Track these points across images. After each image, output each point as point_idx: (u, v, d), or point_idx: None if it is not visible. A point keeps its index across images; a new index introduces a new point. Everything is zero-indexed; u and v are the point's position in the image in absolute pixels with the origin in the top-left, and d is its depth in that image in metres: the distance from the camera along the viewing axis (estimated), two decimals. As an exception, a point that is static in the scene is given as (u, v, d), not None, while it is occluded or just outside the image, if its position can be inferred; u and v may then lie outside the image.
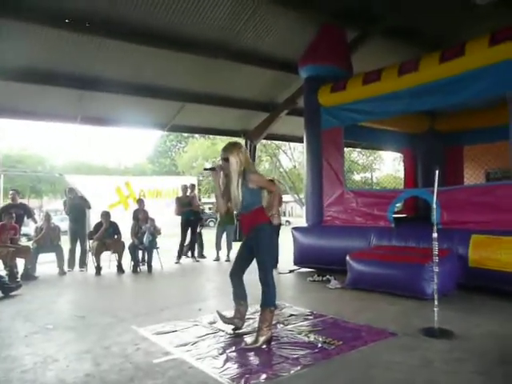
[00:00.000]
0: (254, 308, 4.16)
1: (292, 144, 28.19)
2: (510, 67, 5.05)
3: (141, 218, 8.13)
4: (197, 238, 9.27)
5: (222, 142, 29.17)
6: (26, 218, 8.12)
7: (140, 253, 8.01)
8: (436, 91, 5.81)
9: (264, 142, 23.58)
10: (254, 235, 3.56)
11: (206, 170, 3.85)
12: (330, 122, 7.23)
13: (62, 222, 11.08)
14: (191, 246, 9.16)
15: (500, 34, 5.12)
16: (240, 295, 3.79)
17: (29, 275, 7.07)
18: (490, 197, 5.38)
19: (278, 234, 7.76)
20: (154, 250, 8.11)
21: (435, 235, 3.82)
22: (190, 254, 9.17)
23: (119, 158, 44.75)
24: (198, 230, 9.40)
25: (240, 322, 3.81)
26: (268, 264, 3.57)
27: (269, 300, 3.51)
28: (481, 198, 5.49)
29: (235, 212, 3.95)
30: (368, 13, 7.40)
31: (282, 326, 4.03)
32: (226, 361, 3.16)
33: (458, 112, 8.35)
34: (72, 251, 8.17)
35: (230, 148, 3.58)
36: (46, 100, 8.28)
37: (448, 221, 5.57)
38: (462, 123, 8.61)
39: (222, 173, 3.63)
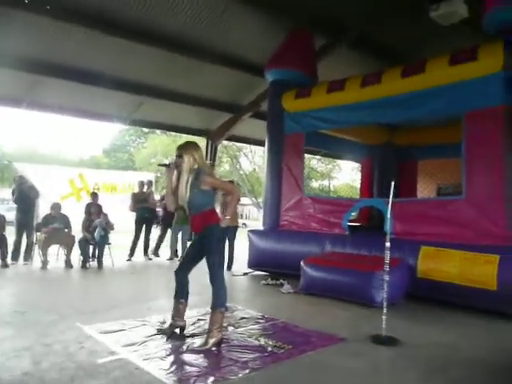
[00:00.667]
0: (205, 310, 4.09)
1: (253, 147, 28.27)
2: (466, 88, 5.28)
3: (93, 211, 7.86)
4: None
5: (183, 140, 28.88)
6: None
7: (91, 248, 7.72)
8: (396, 105, 5.99)
9: (225, 143, 23.49)
10: (204, 235, 3.55)
11: (160, 165, 3.91)
12: (292, 127, 7.28)
13: (9, 212, 10.53)
14: (145, 243, 8.95)
15: (459, 55, 5.33)
16: (181, 293, 3.73)
17: (-33, 266, 6.66)
18: (441, 211, 5.58)
19: (235, 237, 7.73)
20: (106, 246, 7.86)
21: (388, 244, 3.91)
22: (149, 252, 8.94)
23: (74, 149, 43.30)
24: (156, 228, 9.21)
25: (182, 321, 3.74)
26: (218, 265, 3.54)
27: (219, 301, 3.48)
28: (432, 211, 5.68)
29: (169, 204, 3.83)
30: (337, 22, 7.52)
31: (232, 328, 3.98)
32: (174, 362, 3.08)
33: (415, 127, 8.66)
34: (17, 243, 7.76)
35: (186, 146, 3.63)
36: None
37: (400, 231, 5.73)
38: (419, 138, 8.94)
39: (175, 170, 3.63)
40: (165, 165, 3.75)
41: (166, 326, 3.87)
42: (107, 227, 7.75)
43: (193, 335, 3.71)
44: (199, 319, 4.15)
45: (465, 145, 5.35)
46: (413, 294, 5.26)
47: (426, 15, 6.04)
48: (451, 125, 6.87)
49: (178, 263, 7.88)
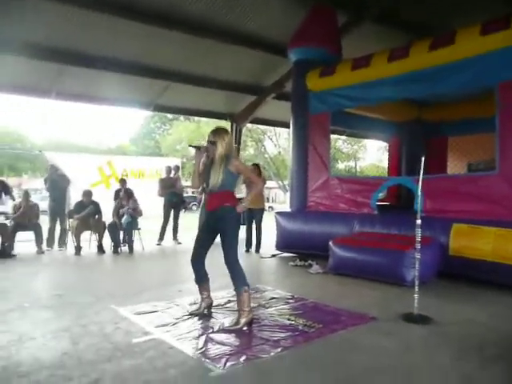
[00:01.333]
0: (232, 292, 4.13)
1: (277, 130, 28.11)
2: (499, 58, 5.06)
3: (122, 197, 8.00)
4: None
5: (207, 125, 28.93)
6: (3, 196, 7.91)
7: (121, 234, 7.89)
8: (425, 79, 5.79)
9: (249, 126, 23.43)
10: (220, 217, 3.57)
11: (191, 146, 3.85)
12: (317, 107, 7.17)
13: (42, 201, 10.84)
14: (174, 228, 9.08)
15: (491, 24, 5.10)
16: (201, 279, 3.81)
17: (6, 253, 6.93)
18: (472, 187, 5.43)
19: (262, 219, 7.75)
20: (136, 231, 8.02)
21: (419, 222, 3.83)
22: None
23: (102, 138, 44.08)
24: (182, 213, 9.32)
25: (209, 299, 3.85)
26: (234, 247, 3.57)
27: (239, 282, 3.52)
28: (463, 187, 5.53)
29: (195, 184, 3.94)
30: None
31: (263, 308, 4.02)
32: (206, 342, 3.13)
33: (444, 102, 8.38)
34: (51, 230, 8.02)
35: (220, 132, 3.62)
36: (21, 73, 7.96)
37: (430, 209, 5.61)
38: (448, 113, 8.66)
39: (204, 154, 3.67)
40: (196, 146, 3.75)
41: (194, 307, 3.93)
42: (135, 214, 7.88)
43: (224, 315, 3.76)
44: (229, 300, 4.20)
45: (498, 117, 5.14)
46: (444, 272, 5.17)
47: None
48: (482, 98, 6.62)
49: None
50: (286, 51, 7.62)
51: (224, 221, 3.56)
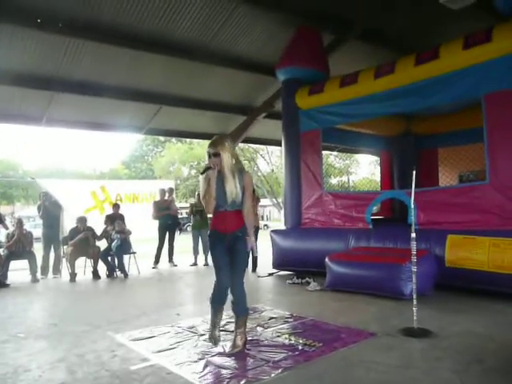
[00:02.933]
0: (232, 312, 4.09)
1: (270, 148, 28.25)
2: (482, 71, 5.18)
3: (108, 223, 8.04)
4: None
5: (199, 146, 29.05)
6: (-4, 224, 7.86)
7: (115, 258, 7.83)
8: (412, 94, 5.90)
9: (242, 145, 23.59)
10: (239, 237, 3.34)
11: (203, 173, 3.29)
12: (308, 124, 7.25)
13: (36, 229, 10.77)
14: (170, 250, 9.03)
15: (473, 38, 5.23)
16: (224, 300, 3.49)
17: (0, 283, 6.84)
18: (465, 197, 5.48)
19: (256, 238, 7.72)
20: (131, 255, 7.97)
21: (413, 235, 3.85)
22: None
23: (94, 163, 44.06)
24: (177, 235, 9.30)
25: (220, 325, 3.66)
26: (244, 271, 3.46)
27: (245, 308, 3.45)
28: (456, 198, 5.58)
29: (211, 209, 3.37)
30: (342, 16, 7.46)
31: (261, 329, 3.98)
32: (206, 366, 3.09)
33: (432, 115, 8.50)
34: (45, 257, 7.95)
35: (221, 141, 3.25)
36: (11, 101, 7.99)
37: (424, 221, 5.64)
38: (437, 126, 8.79)
39: (211, 171, 3.25)
40: (208, 168, 3.24)
41: (195, 330, 3.89)
42: (124, 235, 7.85)
43: (223, 338, 3.72)
44: (228, 322, 4.16)
45: (486, 128, 5.23)
46: (442, 284, 5.17)
47: (433, 1, 5.93)
48: (470, 110, 6.74)
49: (202, 268, 7.82)
50: (273, 71, 7.74)
51: (242, 241, 3.35)
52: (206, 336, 3.72)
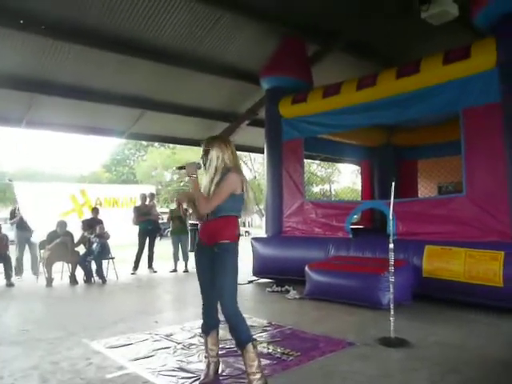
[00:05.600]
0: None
1: (252, 155, 28.36)
2: (461, 86, 5.31)
3: (86, 228, 7.94)
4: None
5: (183, 151, 28.93)
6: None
7: (93, 263, 7.72)
8: (393, 106, 6.01)
9: (225, 152, 23.51)
10: (218, 253, 2.78)
11: (178, 168, 3.00)
12: (290, 133, 7.30)
13: (12, 232, 10.54)
14: (149, 256, 8.94)
15: (452, 53, 5.37)
16: (215, 325, 3.04)
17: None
18: (443, 209, 5.58)
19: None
20: (110, 261, 7.87)
21: (391, 246, 3.90)
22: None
23: (75, 166, 43.44)
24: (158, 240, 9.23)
25: (218, 359, 3.08)
26: (234, 289, 2.79)
27: (245, 335, 2.77)
28: (434, 210, 5.68)
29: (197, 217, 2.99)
30: (327, 28, 7.56)
31: (240, 337, 3.96)
32: (183, 375, 3.06)
33: (412, 127, 8.67)
34: (19, 258, 7.89)
35: (215, 140, 2.98)
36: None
37: (403, 232, 5.73)
38: (417, 138, 8.96)
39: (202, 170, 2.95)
40: (195, 164, 2.91)
41: (173, 338, 3.84)
42: (103, 240, 7.74)
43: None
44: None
45: (464, 142, 5.36)
46: (419, 294, 5.24)
47: (415, 15, 6.07)
48: (449, 123, 6.89)
49: (182, 274, 7.73)
50: (258, 79, 7.78)
51: (222, 257, 2.78)
52: (184, 344, 3.69)
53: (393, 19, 7.18)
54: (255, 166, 30.91)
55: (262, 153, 8.34)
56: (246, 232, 25.15)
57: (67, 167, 38.09)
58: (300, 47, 7.57)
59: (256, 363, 2.71)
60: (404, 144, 9.29)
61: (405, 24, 7.22)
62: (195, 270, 3.03)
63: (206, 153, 2.93)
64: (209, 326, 3.00)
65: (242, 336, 2.76)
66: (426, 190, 9.75)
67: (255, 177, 31.43)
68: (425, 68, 5.58)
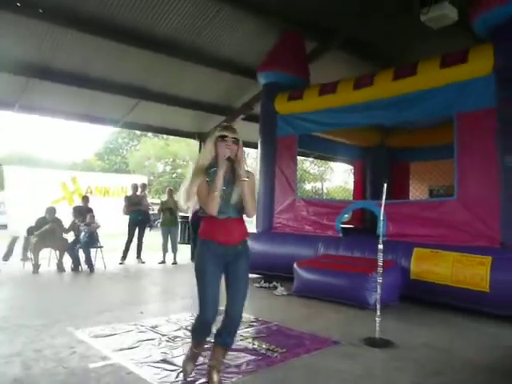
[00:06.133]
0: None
1: (246, 149, 28.32)
2: (457, 90, 5.32)
3: (77, 215, 7.86)
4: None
5: (176, 142, 28.80)
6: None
7: (81, 252, 7.67)
8: (389, 107, 6.01)
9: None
10: (242, 252, 2.73)
11: (228, 160, 2.61)
12: (285, 129, 7.29)
13: (1, 216, 10.45)
14: (138, 246, 8.90)
15: (449, 57, 5.38)
16: (208, 333, 2.84)
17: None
18: (433, 212, 5.61)
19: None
20: (98, 249, 7.81)
21: (381, 247, 3.91)
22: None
23: (67, 153, 43.11)
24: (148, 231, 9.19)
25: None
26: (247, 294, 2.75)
27: (233, 340, 2.84)
28: (424, 212, 5.71)
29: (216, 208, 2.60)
30: (326, 25, 7.54)
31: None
32: (167, 367, 3.05)
33: (407, 129, 8.69)
34: (11, 243, 7.86)
35: (235, 128, 2.73)
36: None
37: (393, 233, 5.75)
38: (410, 140, 8.98)
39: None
40: (228, 159, 2.60)
41: (158, 330, 3.82)
42: (91, 228, 7.68)
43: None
44: (192, 322, 4.12)
45: (457, 146, 5.38)
46: (406, 296, 5.26)
47: (415, 17, 6.07)
48: (443, 126, 6.91)
49: (171, 266, 7.68)
50: (255, 74, 7.75)
51: (246, 257, 2.75)
52: (169, 336, 3.68)
53: (392, 19, 7.18)
54: (248, 161, 30.85)
55: (256, 148, 8.32)
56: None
57: (60, 154, 37.72)
58: (299, 43, 7.54)
59: (221, 359, 2.82)
60: (397, 146, 9.32)
61: (404, 25, 7.22)
62: (201, 272, 2.66)
63: (234, 141, 2.63)
64: (207, 335, 2.82)
65: (233, 338, 2.82)
66: (417, 192, 9.80)
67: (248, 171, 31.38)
68: (422, 70, 5.59)
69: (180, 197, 2.71)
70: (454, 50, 5.42)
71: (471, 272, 4.77)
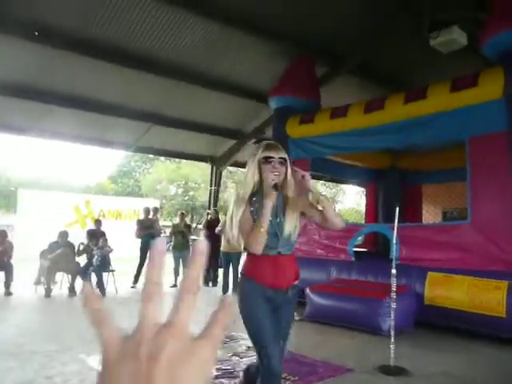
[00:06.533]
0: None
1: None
2: (468, 114, 5.32)
3: (92, 238, 7.90)
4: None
5: (188, 165, 29.05)
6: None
7: (93, 276, 7.69)
8: (399, 131, 6.02)
9: (230, 169, 23.65)
10: (291, 299, 2.31)
11: (276, 189, 2.18)
12: (297, 153, 7.30)
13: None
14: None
15: (460, 81, 5.40)
16: None
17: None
18: (447, 236, 5.54)
19: (239, 262, 7.69)
20: (110, 273, 7.84)
21: (394, 271, 3.87)
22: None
23: (81, 176, 43.73)
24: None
25: None
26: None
27: None
28: (438, 236, 5.64)
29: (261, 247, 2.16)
30: (338, 50, 7.65)
31: (237, 358, 3.92)
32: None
33: (418, 152, 8.68)
34: None
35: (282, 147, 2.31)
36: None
37: (406, 257, 5.67)
38: (422, 163, 8.95)
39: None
40: (275, 186, 2.19)
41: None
42: (104, 252, 7.72)
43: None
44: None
45: (470, 169, 5.35)
46: (421, 322, 5.16)
47: (425, 42, 6.14)
48: (454, 149, 6.88)
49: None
50: (266, 98, 7.85)
51: (292, 304, 2.34)
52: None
53: (403, 44, 7.25)
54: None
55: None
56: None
57: (73, 177, 38.25)
58: (310, 67, 7.62)
59: None
60: (409, 168, 9.29)
61: (415, 49, 7.30)
62: (249, 310, 2.20)
63: (281, 162, 2.21)
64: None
65: None
66: (430, 215, 9.71)
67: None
68: (432, 94, 5.61)
69: (227, 227, 2.27)
70: (465, 74, 5.46)
71: (487, 297, 4.68)
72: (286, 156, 2.22)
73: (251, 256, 2.24)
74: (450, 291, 5.00)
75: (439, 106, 5.55)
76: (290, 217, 2.23)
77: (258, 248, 2.13)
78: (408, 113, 5.84)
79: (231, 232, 2.20)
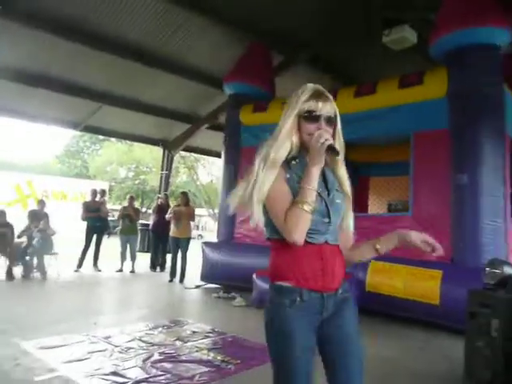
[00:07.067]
0: (153, 323, 3.98)
1: (211, 158, 28.26)
2: (413, 110, 5.54)
3: (33, 219, 7.56)
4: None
5: (140, 148, 28.35)
6: None
7: (35, 259, 7.38)
8: (349, 123, 6.11)
9: (183, 153, 23.35)
10: (345, 299, 1.67)
11: (330, 149, 1.54)
12: (249, 140, 7.32)
13: None
14: (95, 254, 8.66)
15: (407, 78, 5.60)
16: None
17: None
18: (390, 226, 5.76)
19: (188, 248, 7.65)
20: (52, 256, 7.54)
21: (337, 259, 3.98)
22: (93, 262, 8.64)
23: (24, 154, 41.61)
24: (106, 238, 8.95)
25: None
26: None
27: None
28: (382, 226, 5.84)
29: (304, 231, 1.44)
30: (293, 39, 7.69)
31: (181, 343, 3.91)
32: (118, 379, 2.98)
33: (367, 145, 8.92)
34: None
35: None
36: None
37: (351, 246, 5.86)
38: (370, 155, 9.21)
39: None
40: (333, 149, 1.57)
41: (111, 341, 3.73)
42: (46, 235, 7.42)
43: (139, 351, 3.61)
44: (147, 333, 4.05)
45: (412, 164, 5.58)
46: (362, 308, 5.34)
47: (378, 39, 6.30)
48: (401, 144, 7.14)
49: (128, 275, 7.50)
50: (221, 84, 7.79)
51: (352, 311, 1.70)
52: (122, 347, 3.60)
53: (357, 40, 7.40)
54: (213, 170, 30.77)
55: (220, 157, 8.33)
56: (199, 235, 24.97)
57: (16, 155, 36.29)
58: (265, 56, 7.64)
59: None
60: (358, 160, 9.53)
61: (368, 46, 7.47)
62: (283, 347, 1.57)
63: (329, 121, 1.59)
64: None
65: None
66: (375, 206, 10.05)
67: (212, 180, 31.29)
68: (381, 89, 5.78)
69: (231, 201, 1.70)
70: (413, 72, 5.66)
71: (423, 285, 4.93)
72: (336, 110, 1.61)
73: (284, 249, 1.52)
74: (389, 279, 5.23)
75: (387, 101, 5.74)
76: (341, 193, 1.66)
77: (301, 235, 1.46)
78: (358, 106, 5.99)
79: (250, 211, 1.56)
